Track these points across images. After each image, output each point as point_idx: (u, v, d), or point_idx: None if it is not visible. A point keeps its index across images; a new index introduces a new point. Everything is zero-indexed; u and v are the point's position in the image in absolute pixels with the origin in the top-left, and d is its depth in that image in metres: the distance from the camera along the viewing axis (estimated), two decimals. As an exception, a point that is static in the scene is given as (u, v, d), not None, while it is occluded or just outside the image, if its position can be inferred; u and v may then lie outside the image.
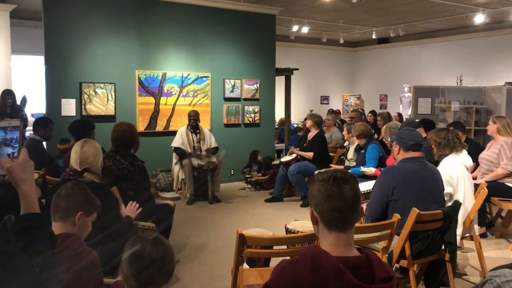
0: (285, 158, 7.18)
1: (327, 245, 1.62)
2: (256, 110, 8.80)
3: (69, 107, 7.09)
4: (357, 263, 1.55)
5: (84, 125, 5.06)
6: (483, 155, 5.34)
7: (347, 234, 1.61)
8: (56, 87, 7.04)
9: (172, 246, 1.83)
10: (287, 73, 9.23)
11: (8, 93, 7.47)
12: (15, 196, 1.33)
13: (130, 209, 3.31)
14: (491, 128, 5.40)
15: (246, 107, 8.69)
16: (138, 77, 7.60)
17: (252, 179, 8.11)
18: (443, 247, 3.44)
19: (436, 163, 4.10)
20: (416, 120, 5.75)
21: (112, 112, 7.38)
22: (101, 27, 7.31)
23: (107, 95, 7.35)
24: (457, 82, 10.88)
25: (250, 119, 8.76)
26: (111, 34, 7.39)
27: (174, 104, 7.94)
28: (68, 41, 7.06)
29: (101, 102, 7.32)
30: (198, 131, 7.17)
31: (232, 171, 8.53)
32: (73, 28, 7.08)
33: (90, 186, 3.03)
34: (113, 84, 7.38)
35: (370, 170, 5.47)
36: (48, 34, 6.94)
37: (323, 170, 1.78)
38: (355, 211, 1.61)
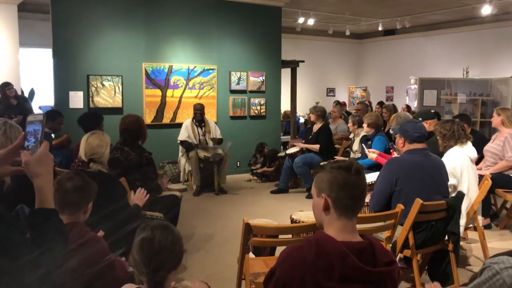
0: (291, 150, 7.23)
1: (333, 231, 1.69)
2: (262, 102, 8.83)
3: (77, 99, 7.16)
4: (360, 247, 1.62)
5: (93, 118, 5.14)
6: (488, 148, 5.35)
7: (352, 221, 1.69)
8: (64, 80, 7.11)
9: (180, 234, 1.89)
10: (293, 65, 9.25)
11: (7, 85, 7.16)
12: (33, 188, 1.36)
13: (138, 196, 3.37)
14: (496, 120, 5.41)
15: (252, 100, 8.72)
16: (145, 69, 7.65)
17: (258, 171, 8.17)
18: (446, 238, 3.49)
19: (441, 154, 4.13)
20: (432, 111, 5.74)
21: (119, 105, 7.45)
22: (108, 20, 7.36)
23: (115, 88, 7.42)
24: (463, 74, 10.84)
25: (256, 111, 8.80)
26: (118, 27, 7.44)
27: (181, 96, 8.00)
28: (76, 34, 7.12)
29: (108, 94, 7.38)
30: (203, 124, 7.21)
31: (238, 163, 8.59)
32: (81, 21, 7.13)
33: (97, 176, 3.11)
34: (120, 77, 7.44)
35: (373, 152, 5.43)
36: (56, 27, 7.00)
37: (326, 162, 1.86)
38: (363, 200, 1.71)
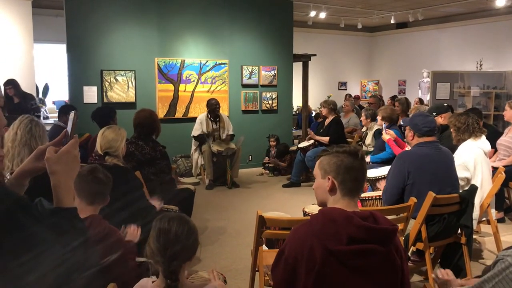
0: (303, 144, 7.24)
1: (339, 207, 1.79)
2: (274, 96, 8.84)
3: (91, 94, 7.25)
4: (363, 215, 1.72)
5: (106, 112, 5.19)
6: (501, 141, 5.32)
7: (354, 200, 1.82)
8: (78, 75, 7.19)
9: (196, 226, 1.93)
10: (305, 59, 9.24)
11: (7, 83, 6.97)
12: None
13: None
14: (508, 113, 5.37)
15: (263, 94, 8.74)
16: (158, 64, 7.71)
17: (270, 165, 8.20)
18: (459, 231, 3.49)
19: (455, 147, 4.13)
20: (445, 105, 5.72)
21: (132, 99, 7.52)
22: (121, 15, 7.42)
23: (128, 83, 7.48)
24: (476, 67, 10.73)
25: (268, 105, 8.81)
26: (131, 22, 7.50)
27: (193, 91, 8.04)
28: (89, 29, 7.19)
29: (121, 89, 7.45)
30: (218, 119, 7.24)
31: (250, 157, 8.62)
32: (94, 16, 7.19)
33: (113, 169, 3.16)
34: (133, 72, 7.50)
35: (390, 134, 5.41)
36: (70, 23, 7.07)
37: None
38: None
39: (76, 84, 7.20)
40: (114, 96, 7.39)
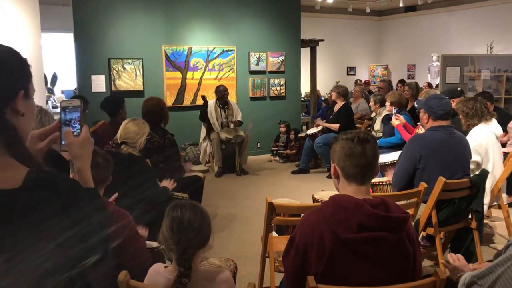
0: (311, 130, 7.22)
1: (347, 194, 1.78)
2: (282, 82, 8.80)
3: (99, 83, 7.26)
4: (374, 202, 1.70)
5: (115, 101, 5.20)
6: (511, 125, 5.26)
7: (364, 186, 1.79)
8: (85, 64, 7.20)
9: (208, 214, 1.94)
10: (313, 44, 9.16)
11: None
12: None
13: (167, 183, 3.49)
14: None
15: (271, 80, 8.70)
16: (165, 52, 7.69)
17: (280, 151, 8.18)
18: (470, 216, 3.48)
19: (465, 133, 4.08)
20: (458, 89, 5.64)
21: (140, 88, 7.52)
22: (127, 3, 7.39)
23: (135, 71, 7.48)
24: (487, 50, 10.59)
25: (276, 92, 8.78)
26: (137, 10, 7.47)
27: (201, 78, 8.03)
28: (96, 18, 7.18)
29: (129, 77, 7.46)
30: (227, 106, 7.22)
31: (258, 144, 8.62)
32: (101, 4, 7.18)
33: (128, 158, 3.19)
34: (141, 60, 7.50)
35: (399, 119, 5.39)
36: (76, 12, 7.06)
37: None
38: (373, 168, 1.79)
39: (84, 73, 7.22)
40: (122, 85, 7.40)
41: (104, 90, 7.23)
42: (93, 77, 7.23)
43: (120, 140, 3.32)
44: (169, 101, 7.71)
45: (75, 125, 1.34)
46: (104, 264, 1.23)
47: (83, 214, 1.16)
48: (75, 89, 8.30)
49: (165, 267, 1.89)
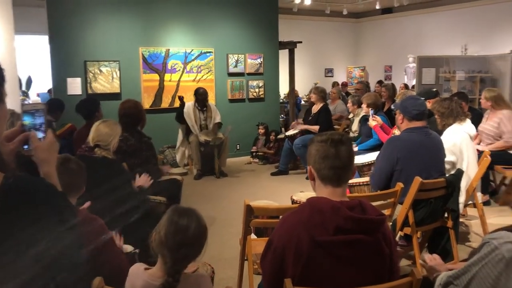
0: (290, 132, 7.24)
1: (324, 196, 1.77)
2: (260, 84, 8.80)
3: (75, 86, 7.15)
4: (351, 204, 1.71)
5: (90, 104, 5.14)
6: (483, 128, 5.36)
7: (341, 188, 1.77)
8: (61, 67, 7.08)
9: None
10: (291, 46, 9.19)
11: None
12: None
13: (143, 179, 3.42)
14: (485, 104, 5.42)
15: (250, 82, 8.70)
16: (142, 54, 7.61)
17: (259, 153, 8.18)
18: (446, 215, 3.52)
19: (440, 132, 4.14)
20: (433, 90, 5.73)
21: (117, 90, 7.43)
22: (103, 5, 7.29)
23: (112, 73, 7.39)
24: (462, 51, 10.79)
25: (255, 93, 8.78)
26: (114, 12, 7.38)
27: (179, 80, 7.97)
28: (72, 19, 7.06)
29: (106, 80, 7.36)
30: (206, 108, 7.16)
31: (238, 146, 8.60)
32: (76, 6, 7.07)
33: (102, 161, 3.13)
34: (118, 62, 7.41)
35: (376, 120, 5.43)
36: (51, 13, 6.94)
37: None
38: (348, 170, 1.78)
39: (59, 75, 7.10)
40: (98, 87, 7.30)
41: (80, 92, 7.12)
42: (69, 79, 7.12)
43: (93, 143, 3.25)
44: (147, 103, 7.63)
45: (40, 129, 1.31)
46: (78, 271, 1.20)
47: (59, 219, 1.14)
48: (49, 90, 8.16)
49: (146, 268, 1.84)
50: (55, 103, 5.87)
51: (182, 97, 7.06)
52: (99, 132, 3.27)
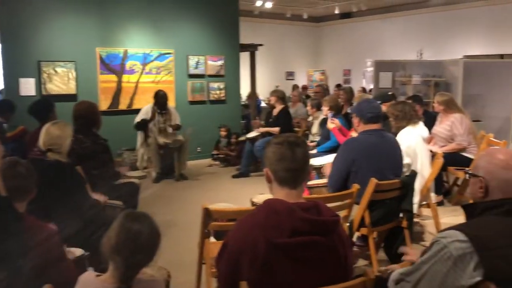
0: (251, 134, 7.25)
1: (280, 197, 1.77)
2: (222, 86, 8.78)
3: (28, 86, 6.89)
4: (306, 206, 1.72)
5: (43, 105, 4.96)
6: (436, 131, 5.52)
7: (297, 190, 1.78)
8: (13, 67, 6.81)
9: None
10: (252, 49, 9.22)
11: None
12: None
13: (100, 196, 3.35)
14: (437, 107, 5.59)
15: (211, 84, 8.65)
16: (99, 54, 7.44)
17: (220, 155, 8.14)
18: (401, 215, 3.60)
19: (395, 135, 4.24)
20: (389, 93, 5.86)
21: (73, 91, 7.23)
22: (58, 3, 7.08)
23: (68, 74, 7.19)
24: (417, 56, 11.12)
25: (216, 95, 8.74)
26: (70, 10, 7.18)
27: (137, 81, 7.84)
28: (25, 18, 6.81)
29: (61, 81, 7.15)
30: (165, 111, 7.07)
31: (198, 148, 8.53)
32: (29, 4, 6.83)
33: (55, 165, 3.03)
34: (74, 63, 7.21)
35: (334, 123, 5.49)
36: (3, 11, 6.67)
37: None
38: (304, 172, 1.79)
39: (11, 76, 6.83)
40: (53, 88, 7.08)
41: (34, 93, 6.88)
42: (22, 80, 6.86)
43: (45, 147, 3.13)
44: (104, 105, 7.46)
45: None
46: (17, 278, 1.15)
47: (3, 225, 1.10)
48: (0, 91, 7.87)
49: (97, 275, 1.79)
50: (5, 104, 5.69)
51: (146, 119, 6.89)
52: (50, 136, 3.15)
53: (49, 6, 7.00)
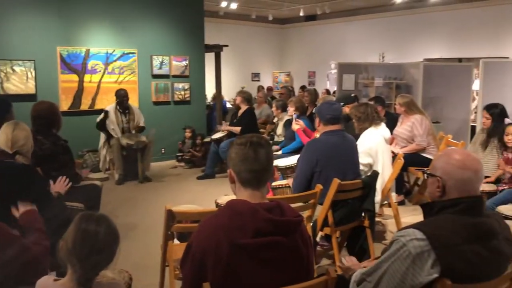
0: (216, 135, 7.22)
1: (243, 198, 1.78)
2: (186, 87, 8.71)
3: (-17, 86, 6.65)
4: (270, 206, 1.72)
5: (0, 105, 4.78)
6: (397, 132, 5.66)
7: (260, 191, 1.79)
8: (-32, 65, 6.57)
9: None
10: (217, 49, 9.19)
11: None
12: None
13: (60, 185, 3.24)
14: (399, 109, 5.75)
15: (175, 84, 8.57)
16: (60, 53, 7.25)
17: (186, 156, 8.07)
18: (363, 214, 3.67)
19: (358, 136, 4.32)
20: (352, 95, 5.96)
21: (32, 91, 7.01)
22: (17, 0, 6.85)
23: (27, 73, 6.96)
24: (379, 59, 11.36)
25: (180, 96, 8.67)
26: (28, 7, 6.95)
27: (99, 81, 7.68)
28: (-20, 14, 6.57)
29: (20, 80, 6.92)
30: (128, 111, 6.97)
31: (163, 149, 8.43)
32: (-15, 0, 6.59)
33: (22, 169, 2.93)
34: (33, 61, 6.99)
35: (299, 124, 5.53)
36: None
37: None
38: (267, 172, 1.80)
39: (-35, 74, 6.57)
40: (11, 88, 6.84)
41: (-11, 93, 6.64)
42: (-23, 79, 6.61)
43: (13, 150, 3.01)
44: (65, 105, 7.28)
45: None
46: None
47: None
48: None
49: (55, 279, 1.75)
50: None
51: (108, 111, 6.83)
52: (17, 138, 3.02)
53: (5, 2, 6.76)
